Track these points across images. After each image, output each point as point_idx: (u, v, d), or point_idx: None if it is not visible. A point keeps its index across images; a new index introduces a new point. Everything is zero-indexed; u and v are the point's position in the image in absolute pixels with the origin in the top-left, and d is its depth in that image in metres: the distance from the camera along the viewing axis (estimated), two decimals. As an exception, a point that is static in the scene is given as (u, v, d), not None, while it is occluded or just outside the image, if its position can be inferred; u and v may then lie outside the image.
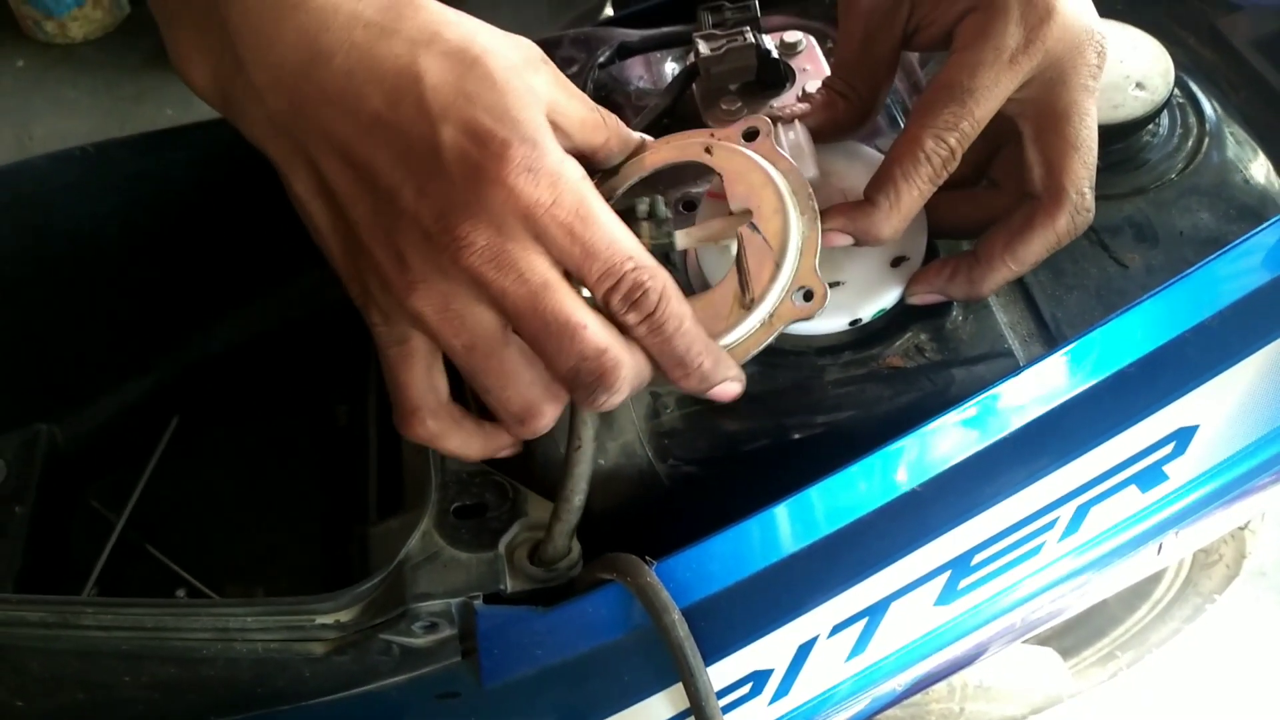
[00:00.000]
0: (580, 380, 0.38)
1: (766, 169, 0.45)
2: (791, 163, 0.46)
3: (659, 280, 0.38)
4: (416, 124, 0.35)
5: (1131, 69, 0.53)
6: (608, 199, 0.41)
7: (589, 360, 0.37)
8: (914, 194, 0.44)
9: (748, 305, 0.43)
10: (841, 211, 0.46)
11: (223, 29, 0.37)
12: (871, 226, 0.45)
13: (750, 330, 0.43)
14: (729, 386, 0.42)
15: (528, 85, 0.37)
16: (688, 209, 0.54)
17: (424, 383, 0.42)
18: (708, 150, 0.46)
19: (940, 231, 0.49)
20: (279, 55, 0.36)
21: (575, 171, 0.37)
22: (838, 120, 0.49)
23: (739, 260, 0.44)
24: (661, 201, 0.44)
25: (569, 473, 0.43)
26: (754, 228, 0.44)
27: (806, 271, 0.44)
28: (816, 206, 0.44)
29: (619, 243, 0.37)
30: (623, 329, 0.38)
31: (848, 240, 0.46)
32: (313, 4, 0.35)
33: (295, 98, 0.36)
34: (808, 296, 0.43)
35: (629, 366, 0.38)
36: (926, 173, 0.44)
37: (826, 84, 0.50)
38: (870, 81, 0.48)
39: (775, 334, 0.43)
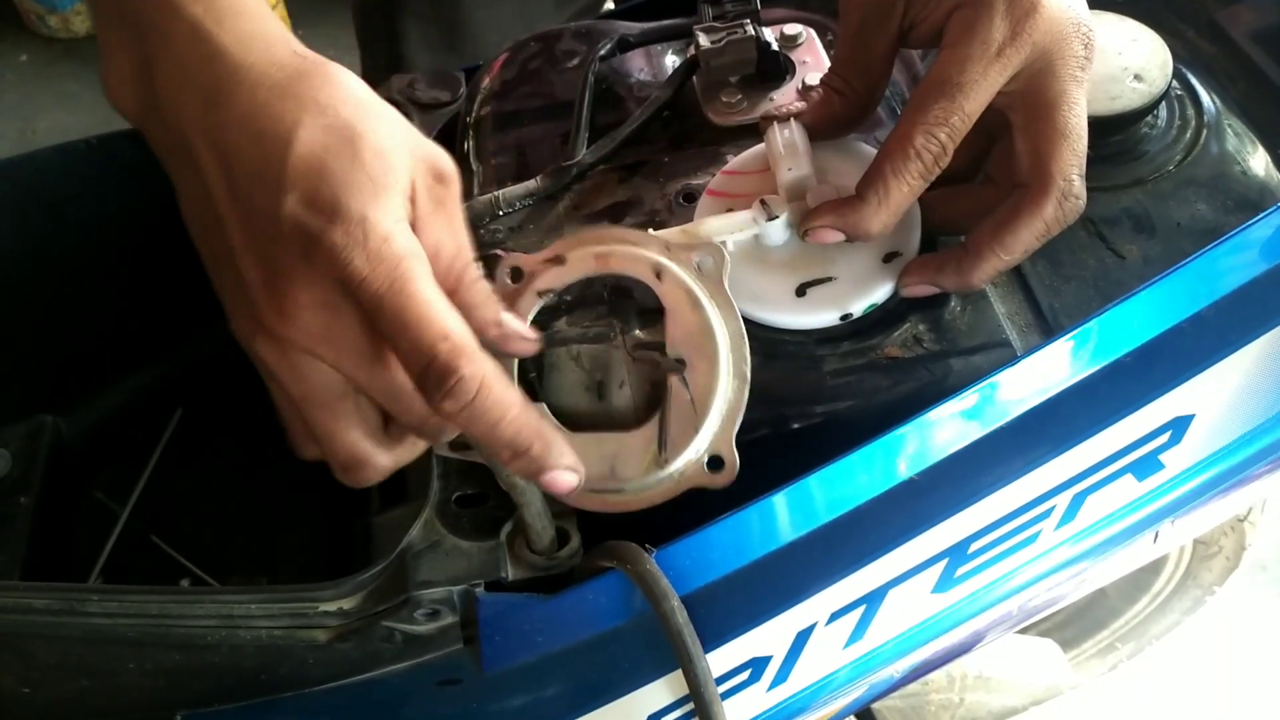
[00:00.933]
0: (426, 378, 0.37)
1: (710, 319, 0.45)
2: (736, 310, 0.46)
3: (476, 366, 0.37)
4: (270, 190, 0.36)
5: (1130, 61, 0.53)
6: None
7: (420, 420, 0.39)
8: (904, 190, 0.44)
9: (661, 464, 0.44)
10: (831, 208, 0.46)
11: (145, 65, 0.39)
12: (860, 222, 0.45)
13: (661, 481, 0.45)
14: (563, 476, 0.40)
15: (389, 168, 0.37)
16: (687, 201, 0.54)
17: (359, 428, 0.41)
18: (658, 275, 0.46)
19: (938, 228, 0.50)
20: (188, 96, 0.37)
21: (402, 248, 0.37)
22: (835, 116, 0.50)
23: (662, 414, 0.45)
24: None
25: (492, 465, 0.43)
26: (684, 382, 0.45)
27: (722, 442, 0.45)
28: (749, 371, 0.45)
29: (430, 321, 0.37)
30: (441, 414, 0.38)
31: (838, 236, 0.46)
32: (229, 60, 0.37)
33: (184, 130, 0.37)
34: (717, 465, 0.44)
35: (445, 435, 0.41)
36: (917, 169, 0.44)
37: (824, 81, 0.50)
38: (867, 78, 0.49)
39: (681, 490, 0.44)
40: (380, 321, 0.37)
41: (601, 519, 0.46)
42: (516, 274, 0.48)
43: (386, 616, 0.44)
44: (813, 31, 0.60)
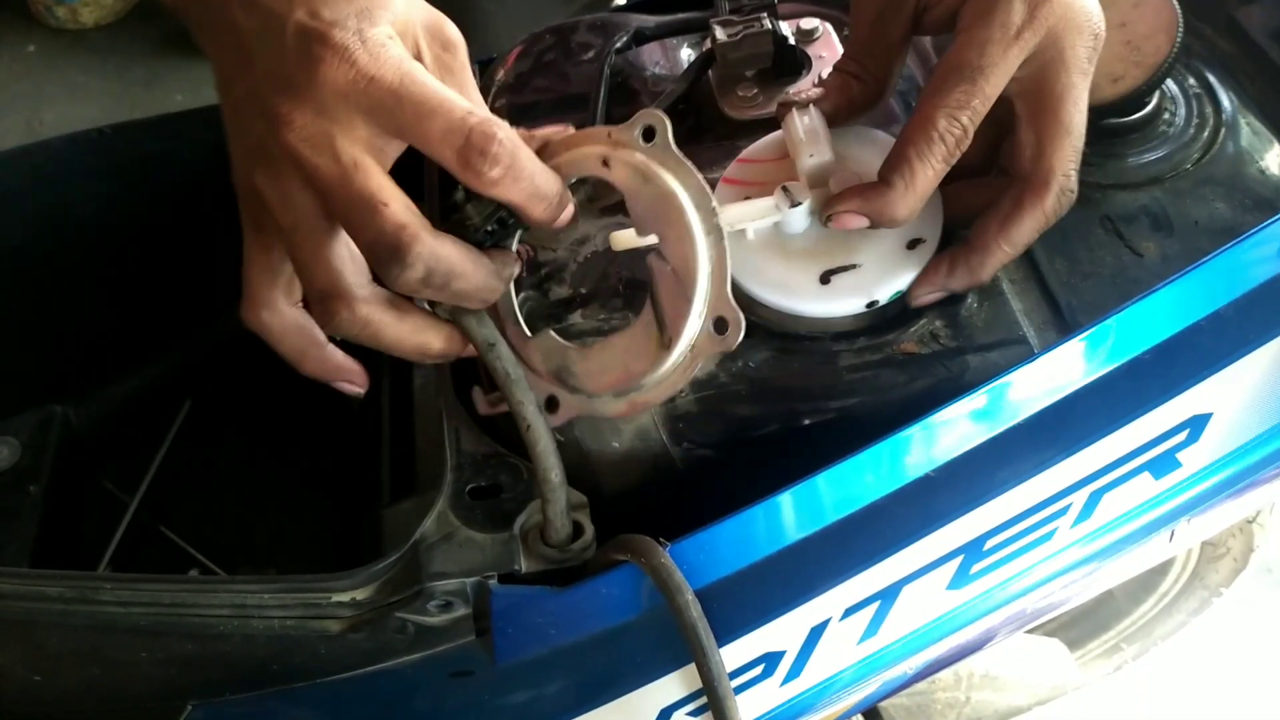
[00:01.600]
0: (377, 253, 0.39)
1: (667, 185, 0.42)
2: (690, 167, 0.42)
3: (506, 130, 0.39)
4: (280, 4, 0.38)
5: (1132, 34, 0.53)
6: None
7: (386, 235, 0.38)
8: (929, 173, 0.44)
9: (666, 345, 0.43)
10: (856, 193, 0.46)
11: None
12: (887, 208, 0.45)
13: (675, 364, 0.43)
14: (568, 211, 0.43)
15: (385, 4, 0.39)
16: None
17: (260, 275, 0.43)
18: (605, 163, 0.44)
19: (957, 222, 0.49)
20: None
21: (399, 51, 0.38)
22: (852, 102, 0.49)
23: (653, 296, 0.43)
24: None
25: (533, 455, 0.43)
26: (661, 257, 0.43)
27: (719, 300, 0.42)
28: (720, 223, 0.42)
29: (453, 101, 0.38)
30: (485, 186, 0.39)
31: (863, 222, 0.46)
32: None
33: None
34: (722, 326, 0.42)
35: (425, 244, 0.39)
36: (940, 151, 0.44)
37: (839, 66, 0.50)
38: (883, 62, 0.49)
39: (699, 366, 0.43)
40: (403, 115, 0.38)
41: (613, 512, 0.46)
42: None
43: (399, 608, 0.44)
44: (829, 26, 0.60)
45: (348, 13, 0.38)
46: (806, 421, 0.47)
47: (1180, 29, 0.52)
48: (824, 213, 0.47)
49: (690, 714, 0.49)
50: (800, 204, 0.47)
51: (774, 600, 0.45)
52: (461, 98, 0.39)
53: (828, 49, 0.59)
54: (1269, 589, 1.28)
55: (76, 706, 0.50)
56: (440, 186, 0.61)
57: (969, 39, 0.43)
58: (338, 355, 0.46)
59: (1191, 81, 0.56)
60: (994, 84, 0.43)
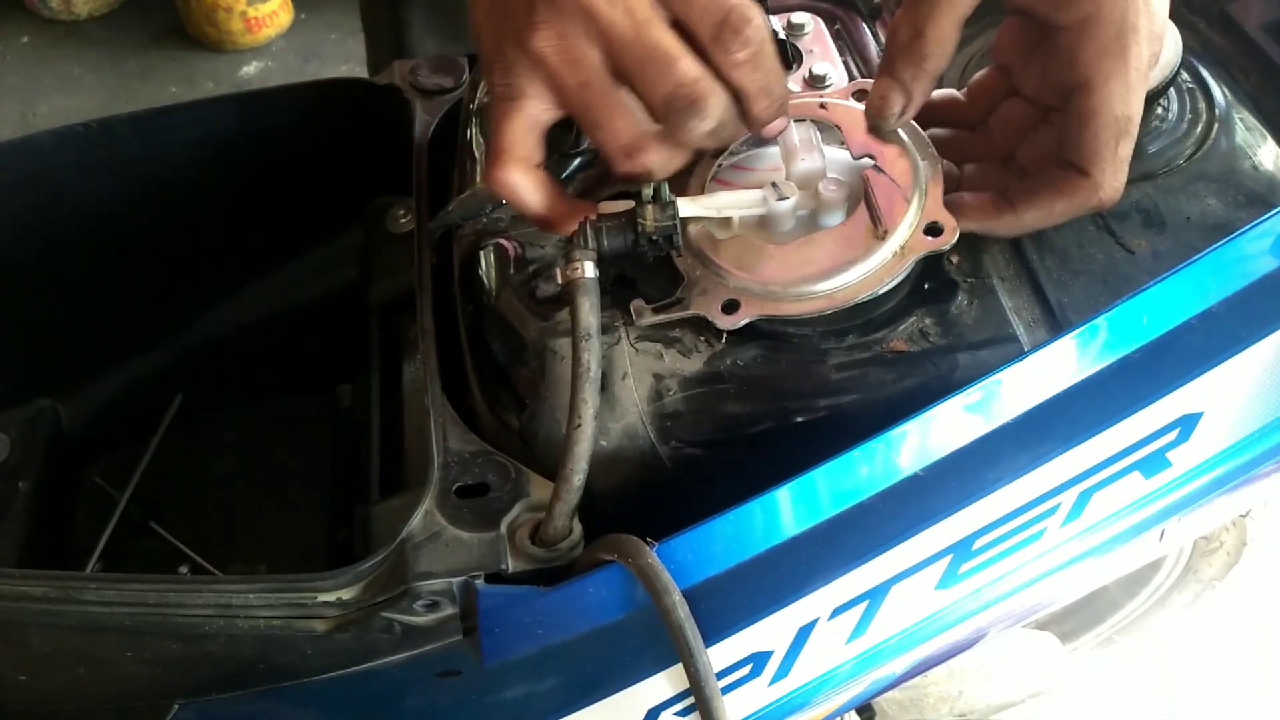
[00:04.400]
0: (674, 105, 0.41)
1: None
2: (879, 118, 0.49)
3: (761, 21, 0.41)
4: None
5: None
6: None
7: (684, 86, 0.41)
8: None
9: (881, 236, 0.47)
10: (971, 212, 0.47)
11: None
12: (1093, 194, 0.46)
13: (884, 260, 0.46)
14: (783, 120, 0.47)
15: None
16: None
17: (523, 135, 0.45)
18: (822, 106, 0.51)
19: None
20: None
21: None
22: (929, 88, 0.49)
23: (868, 197, 0.48)
24: (665, 185, 0.46)
25: (569, 451, 0.43)
26: (879, 169, 0.49)
27: (934, 207, 0.47)
28: (936, 153, 0.49)
29: None
30: (728, 65, 0.42)
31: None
32: None
33: None
34: (935, 231, 0.47)
35: (719, 97, 0.41)
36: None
37: (915, 57, 0.48)
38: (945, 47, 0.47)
39: (908, 266, 0.47)
40: None
41: (600, 511, 0.46)
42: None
43: (386, 607, 0.44)
44: (820, 20, 0.60)
45: None
46: (795, 420, 0.47)
47: (1178, 63, 0.51)
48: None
49: (678, 714, 0.48)
50: (787, 199, 0.48)
51: (762, 600, 0.45)
52: None
53: (818, 44, 0.58)
54: (1262, 581, 1.28)
55: (63, 706, 0.50)
56: (430, 182, 0.60)
57: (1107, 85, 0.44)
58: (585, 204, 0.48)
59: (1185, 76, 0.56)
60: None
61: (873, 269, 0.47)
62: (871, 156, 0.49)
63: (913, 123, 0.49)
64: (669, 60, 0.41)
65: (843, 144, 0.51)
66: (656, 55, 0.41)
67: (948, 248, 0.46)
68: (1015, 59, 0.49)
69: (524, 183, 0.46)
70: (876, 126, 0.50)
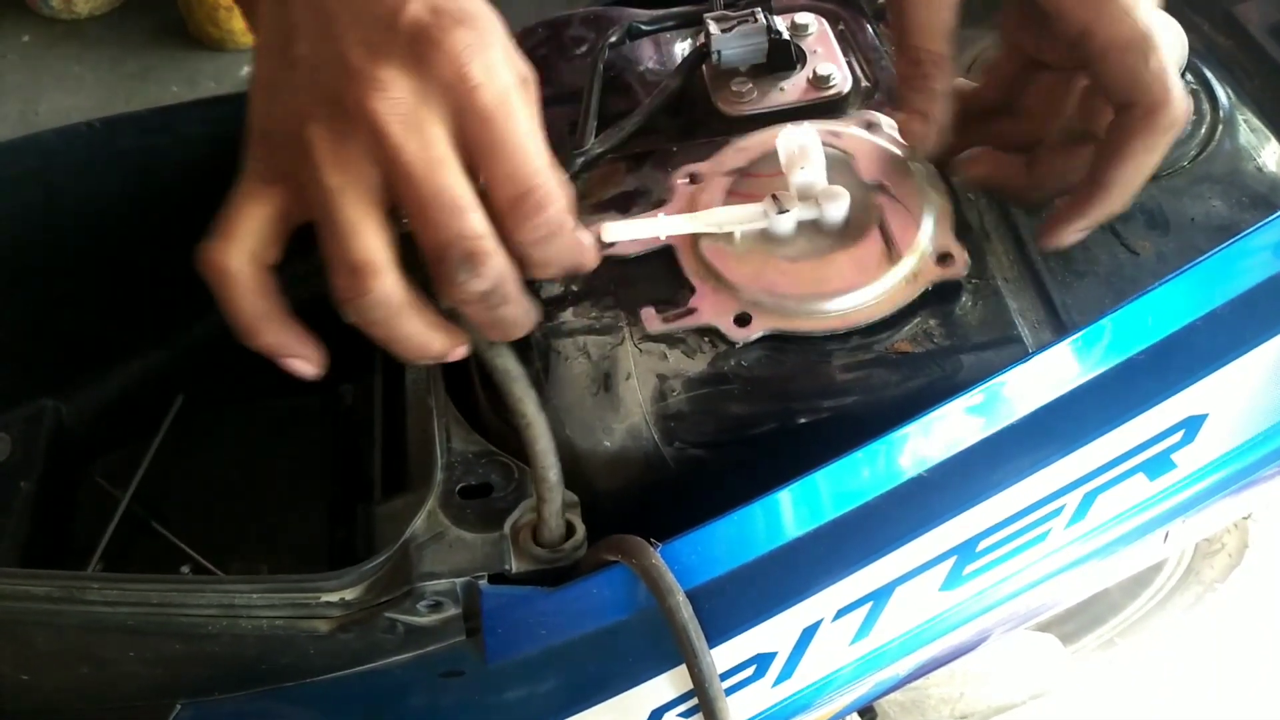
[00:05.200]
0: (451, 255, 0.37)
1: (897, 150, 0.51)
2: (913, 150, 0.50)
3: (563, 198, 0.38)
4: None
5: None
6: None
7: (466, 240, 0.36)
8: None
9: (895, 259, 0.48)
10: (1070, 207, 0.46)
11: None
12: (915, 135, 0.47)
13: (896, 284, 0.48)
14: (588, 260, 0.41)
15: (497, 17, 0.38)
16: (692, 182, 0.53)
17: (260, 225, 0.40)
18: (833, 134, 0.52)
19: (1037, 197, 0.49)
20: None
21: (509, 78, 0.37)
22: (950, 103, 0.48)
23: (882, 223, 0.49)
24: None
25: (530, 452, 0.43)
26: (892, 196, 0.49)
27: (944, 239, 0.49)
28: (945, 186, 0.50)
29: (536, 151, 0.37)
30: (522, 239, 0.38)
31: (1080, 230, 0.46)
32: None
33: None
34: (946, 259, 0.48)
35: (499, 261, 0.37)
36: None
37: (921, 81, 0.48)
38: (945, 41, 0.47)
39: (919, 291, 0.48)
40: (484, 135, 0.36)
41: (604, 511, 0.46)
42: (695, 177, 0.53)
43: (389, 608, 0.44)
44: (824, 20, 0.60)
45: (478, 12, 0.37)
46: (799, 421, 0.47)
47: (1183, 65, 0.52)
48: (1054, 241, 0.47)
49: (681, 715, 0.48)
50: (787, 211, 0.48)
51: (766, 601, 0.45)
52: (542, 152, 0.37)
53: (822, 44, 0.58)
54: (1264, 583, 1.28)
55: (66, 706, 0.49)
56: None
57: (1100, 19, 0.43)
58: (298, 326, 0.41)
59: (1188, 78, 0.56)
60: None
61: (885, 292, 0.47)
62: (883, 185, 0.50)
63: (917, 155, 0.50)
64: (456, 209, 0.36)
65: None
66: (443, 199, 0.36)
67: (961, 277, 0.47)
68: (1024, 34, 0.48)
69: (244, 275, 0.40)
70: (926, 153, 0.50)
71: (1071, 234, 0.47)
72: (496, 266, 0.37)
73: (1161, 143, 0.44)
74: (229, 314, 0.40)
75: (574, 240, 0.39)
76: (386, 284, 0.37)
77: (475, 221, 0.37)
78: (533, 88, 0.39)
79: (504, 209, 0.37)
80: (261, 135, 0.39)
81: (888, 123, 0.53)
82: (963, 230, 0.50)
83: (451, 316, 0.41)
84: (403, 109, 0.36)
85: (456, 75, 0.36)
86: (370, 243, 0.37)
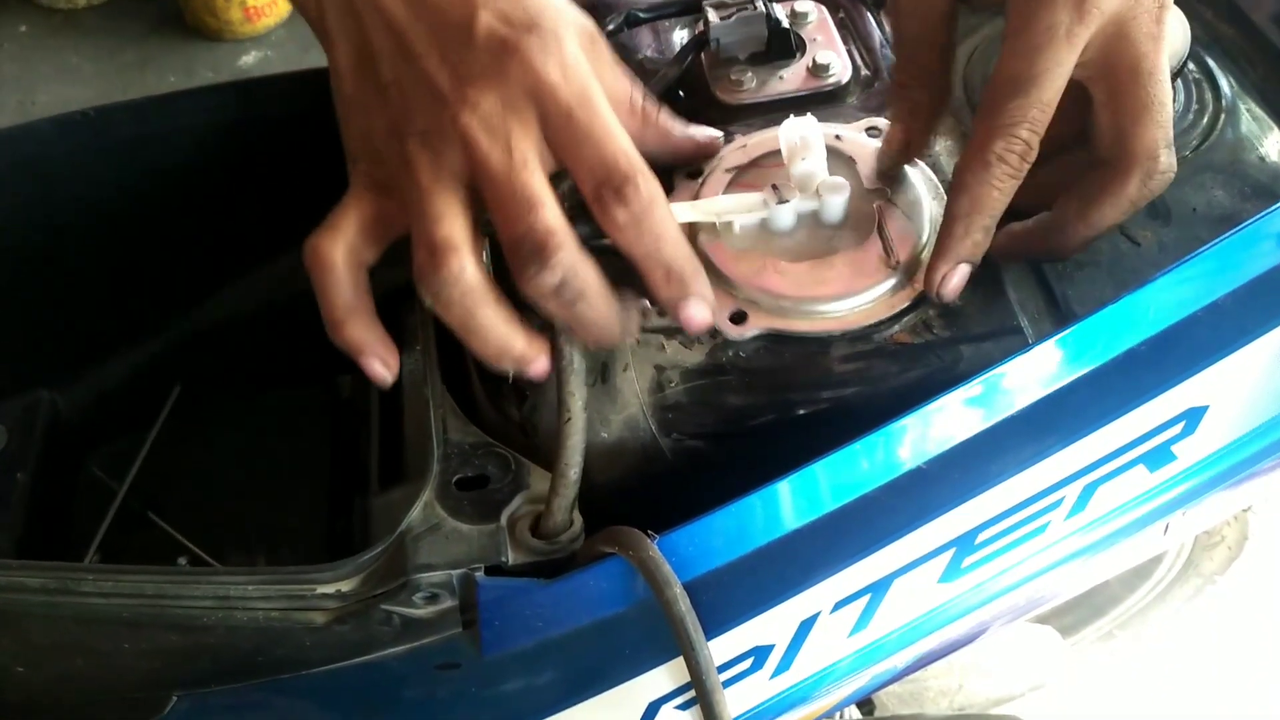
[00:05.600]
0: (521, 247, 0.39)
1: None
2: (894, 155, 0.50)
3: (652, 182, 0.40)
4: (458, 7, 0.39)
5: None
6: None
7: (536, 231, 0.38)
8: (994, 195, 0.44)
9: (892, 266, 0.47)
10: (939, 254, 0.46)
11: None
12: (956, 245, 0.45)
13: (890, 288, 0.47)
14: (699, 307, 0.42)
15: (563, 8, 0.41)
16: (692, 178, 0.53)
17: (362, 227, 0.43)
18: (837, 137, 0.52)
19: (1036, 202, 0.48)
20: None
21: (588, 68, 0.40)
22: (918, 114, 0.49)
23: (880, 229, 0.48)
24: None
25: (562, 445, 0.43)
26: (892, 203, 0.49)
27: None
28: (944, 192, 0.49)
29: (615, 136, 0.39)
30: (610, 226, 0.40)
31: (963, 272, 0.46)
32: None
33: None
34: None
35: (569, 253, 0.39)
36: (1002, 172, 0.43)
37: (896, 83, 0.49)
38: (931, 55, 0.47)
39: (914, 297, 0.47)
40: (567, 131, 0.39)
41: (601, 503, 0.46)
42: (694, 171, 0.52)
43: (385, 599, 0.44)
44: (824, 9, 0.59)
45: (542, 16, 0.39)
46: (797, 412, 0.47)
47: (1185, 54, 0.51)
48: (929, 290, 0.46)
49: (678, 707, 0.48)
50: (787, 201, 0.48)
51: (764, 593, 0.45)
52: (625, 138, 0.40)
53: (822, 32, 0.58)
54: (1263, 575, 1.28)
55: (62, 697, 0.49)
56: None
57: (1016, 46, 0.42)
58: (382, 329, 0.44)
59: (1191, 66, 0.55)
60: (1050, 90, 0.42)
61: (880, 297, 0.47)
62: (885, 191, 0.50)
63: (926, 169, 0.51)
64: (530, 205, 0.38)
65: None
66: (519, 197, 0.39)
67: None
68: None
69: (341, 267, 0.42)
70: (886, 167, 0.50)
71: (1018, 254, 0.48)
72: (567, 259, 0.39)
73: (1129, 207, 0.45)
74: (321, 303, 0.43)
75: (668, 232, 0.40)
76: (463, 263, 0.40)
77: (547, 216, 0.39)
78: (600, 40, 0.42)
79: (592, 197, 0.40)
80: (365, 152, 0.43)
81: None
82: None
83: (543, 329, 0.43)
84: (490, 121, 0.39)
85: (536, 81, 0.39)
86: (451, 226, 0.40)
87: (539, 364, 0.42)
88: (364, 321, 0.43)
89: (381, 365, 0.44)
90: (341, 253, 0.42)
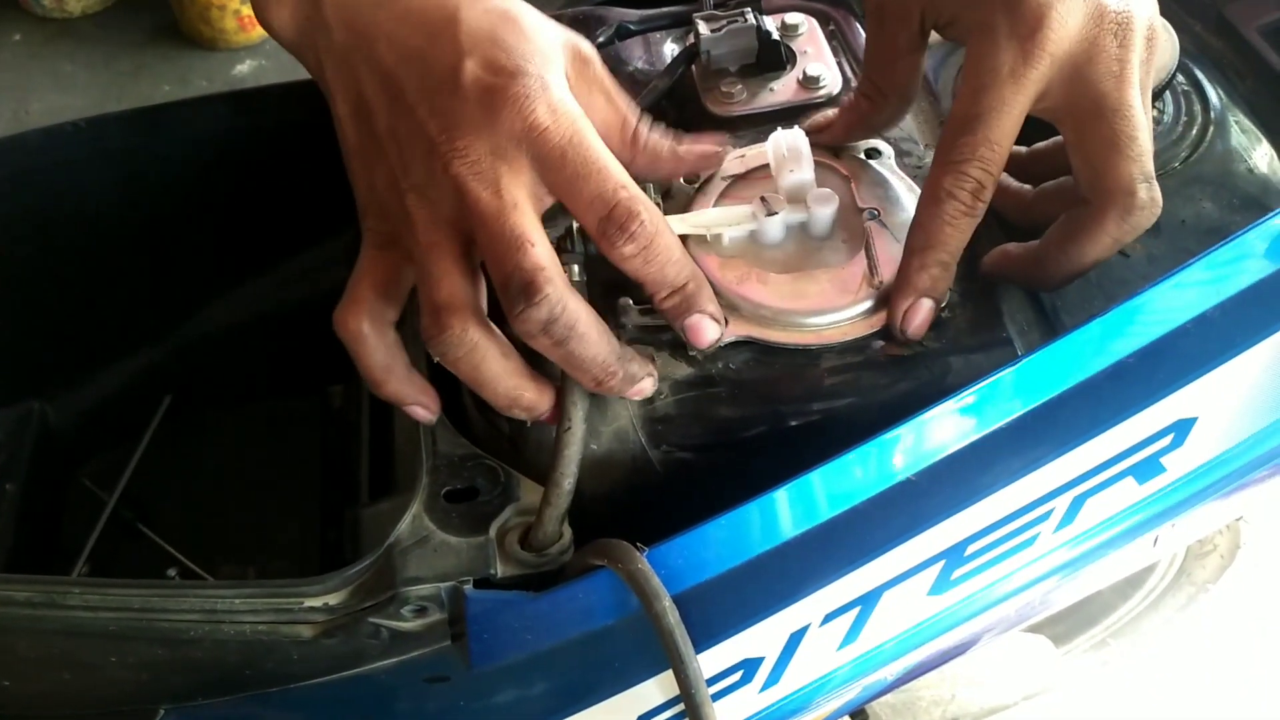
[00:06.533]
0: (510, 285, 0.40)
1: (896, 179, 0.51)
2: (910, 181, 0.51)
3: (652, 212, 0.41)
4: (445, 56, 0.40)
5: None
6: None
7: (523, 270, 0.39)
8: (946, 232, 0.44)
9: (875, 286, 0.47)
10: (899, 288, 0.46)
11: None
12: (915, 279, 0.45)
13: (871, 307, 0.47)
14: (708, 323, 0.44)
15: (550, 41, 0.42)
16: (689, 183, 0.53)
17: (380, 286, 0.44)
18: (836, 154, 0.52)
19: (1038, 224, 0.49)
20: (356, 2, 0.43)
21: (576, 107, 0.41)
22: (860, 119, 0.50)
23: (868, 248, 0.48)
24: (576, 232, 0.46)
25: (558, 455, 0.43)
26: (882, 224, 0.49)
27: None
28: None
29: (610, 170, 0.40)
30: (617, 258, 0.41)
31: (926, 307, 0.46)
32: None
33: (356, 31, 0.42)
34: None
35: (556, 289, 0.40)
36: (953, 209, 0.43)
37: (857, 87, 0.50)
38: (889, 75, 0.48)
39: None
40: (562, 172, 0.40)
41: (590, 515, 0.45)
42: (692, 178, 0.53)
43: (373, 613, 0.43)
44: (814, 21, 0.59)
45: (527, 61, 0.40)
46: (787, 424, 0.46)
47: (1174, 67, 0.51)
48: (895, 326, 0.46)
49: (668, 720, 0.48)
50: (776, 213, 0.48)
51: (753, 605, 0.45)
52: (620, 169, 0.41)
53: (812, 44, 0.58)
54: (1256, 584, 1.28)
55: (48, 711, 0.49)
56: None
57: (966, 86, 0.43)
58: (419, 377, 0.46)
59: (1180, 79, 0.56)
60: (998, 129, 0.42)
61: (860, 315, 0.47)
62: (876, 210, 0.50)
63: (914, 186, 0.50)
64: (518, 244, 0.39)
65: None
66: (507, 238, 0.39)
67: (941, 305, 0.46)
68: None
69: (368, 336, 0.44)
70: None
71: (1000, 276, 0.48)
72: (554, 294, 0.39)
73: (1111, 244, 0.44)
74: (359, 368, 0.45)
75: (672, 255, 0.42)
76: (465, 323, 0.41)
77: (535, 254, 0.40)
78: (592, 61, 0.43)
79: (597, 233, 0.41)
80: (371, 205, 0.44)
81: (887, 150, 0.52)
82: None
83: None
84: (480, 167, 0.40)
85: (525, 127, 0.39)
86: (452, 286, 0.41)
87: (548, 410, 0.44)
88: (400, 376, 0.45)
89: (424, 411, 0.47)
90: (366, 323, 0.44)
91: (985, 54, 0.42)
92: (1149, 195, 0.43)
